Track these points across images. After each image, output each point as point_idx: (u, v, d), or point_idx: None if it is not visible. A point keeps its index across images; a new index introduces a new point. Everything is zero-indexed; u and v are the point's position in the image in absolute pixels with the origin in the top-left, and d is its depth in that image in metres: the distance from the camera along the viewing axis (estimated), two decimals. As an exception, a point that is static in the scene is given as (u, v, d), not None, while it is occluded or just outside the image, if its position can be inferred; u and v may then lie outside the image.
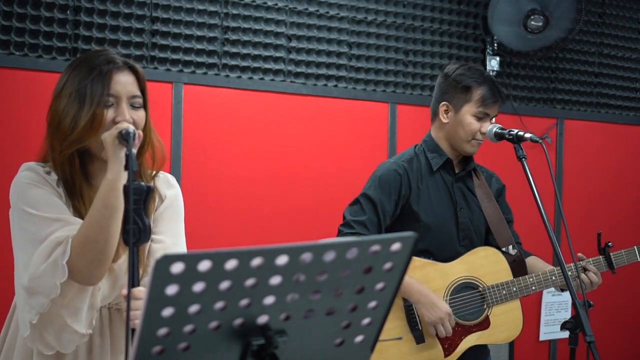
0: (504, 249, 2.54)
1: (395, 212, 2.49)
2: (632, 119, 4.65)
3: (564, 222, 2.13)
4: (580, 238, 4.17)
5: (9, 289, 1.85)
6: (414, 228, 2.45)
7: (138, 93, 1.80)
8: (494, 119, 2.53)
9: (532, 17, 3.99)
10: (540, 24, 4.00)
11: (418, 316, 2.46)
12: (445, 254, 2.51)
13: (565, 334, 2.03)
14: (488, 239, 2.62)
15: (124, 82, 1.77)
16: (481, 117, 2.49)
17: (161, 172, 1.94)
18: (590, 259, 2.51)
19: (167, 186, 1.93)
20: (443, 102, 2.54)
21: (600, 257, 2.53)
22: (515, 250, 2.54)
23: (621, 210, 4.58)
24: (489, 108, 2.50)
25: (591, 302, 2.02)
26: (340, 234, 2.49)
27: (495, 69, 4.13)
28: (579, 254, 2.50)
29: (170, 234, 1.87)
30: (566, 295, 4.32)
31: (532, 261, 2.61)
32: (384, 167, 2.54)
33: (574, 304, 2.01)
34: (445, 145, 2.56)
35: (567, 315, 4.35)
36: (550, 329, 4.34)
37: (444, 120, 2.54)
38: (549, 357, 4.40)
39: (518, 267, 2.54)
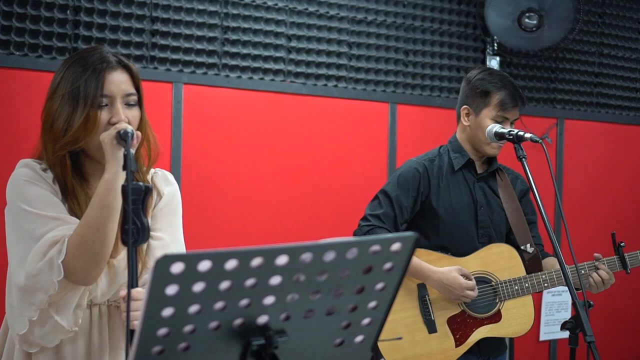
0: (522, 247, 2.63)
1: (415, 207, 2.61)
2: (632, 119, 4.64)
3: (564, 222, 2.13)
4: (580, 238, 4.17)
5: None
6: (433, 224, 2.61)
7: (132, 91, 1.78)
8: (514, 123, 2.61)
9: (527, 14, 3.99)
10: (535, 22, 4.00)
11: (431, 306, 2.56)
12: (464, 250, 2.61)
13: (565, 334, 2.03)
14: (509, 238, 2.71)
15: (118, 82, 1.76)
16: (500, 121, 2.58)
17: (159, 169, 1.94)
18: (605, 258, 2.58)
19: (166, 183, 1.93)
20: (464, 106, 2.66)
21: (615, 257, 2.59)
22: (533, 249, 2.62)
23: (621, 210, 4.58)
24: (507, 112, 2.59)
25: (591, 302, 2.03)
26: (358, 226, 2.60)
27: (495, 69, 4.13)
28: (595, 254, 2.57)
29: (169, 231, 1.86)
30: (566, 295, 4.31)
31: (550, 261, 2.68)
32: (406, 165, 2.68)
33: (574, 304, 2.01)
34: (468, 146, 2.67)
35: (567, 315, 4.35)
36: (550, 329, 4.34)
37: (465, 123, 2.66)
38: (549, 357, 4.40)
39: (534, 264, 2.62)
